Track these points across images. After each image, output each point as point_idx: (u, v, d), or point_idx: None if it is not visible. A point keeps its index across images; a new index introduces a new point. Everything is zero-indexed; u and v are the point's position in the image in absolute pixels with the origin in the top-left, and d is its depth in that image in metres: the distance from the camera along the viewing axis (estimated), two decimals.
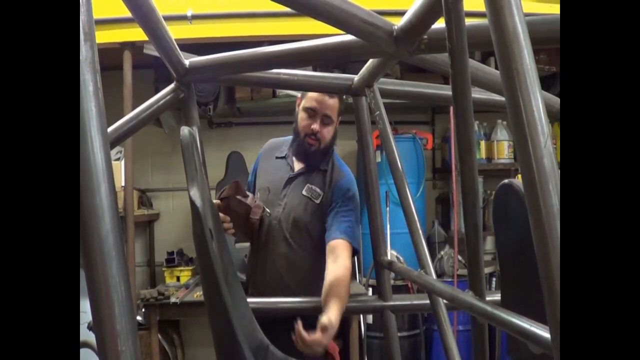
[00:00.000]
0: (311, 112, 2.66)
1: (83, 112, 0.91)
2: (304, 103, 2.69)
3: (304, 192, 2.71)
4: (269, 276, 2.70)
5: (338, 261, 2.50)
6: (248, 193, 2.64)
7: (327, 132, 2.70)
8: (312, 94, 2.65)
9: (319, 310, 2.33)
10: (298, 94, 3.81)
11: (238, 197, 2.58)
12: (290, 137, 2.86)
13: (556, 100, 2.25)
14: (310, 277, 2.69)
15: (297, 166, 2.78)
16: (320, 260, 2.61)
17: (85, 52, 0.96)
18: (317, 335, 2.15)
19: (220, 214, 2.43)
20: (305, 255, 2.71)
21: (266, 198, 2.72)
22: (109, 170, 0.93)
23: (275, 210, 2.70)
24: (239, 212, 2.60)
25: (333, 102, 2.65)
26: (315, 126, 2.65)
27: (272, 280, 2.69)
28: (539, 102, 0.90)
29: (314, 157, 2.72)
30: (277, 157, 2.84)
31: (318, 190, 2.71)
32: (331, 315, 2.23)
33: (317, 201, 2.70)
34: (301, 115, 2.70)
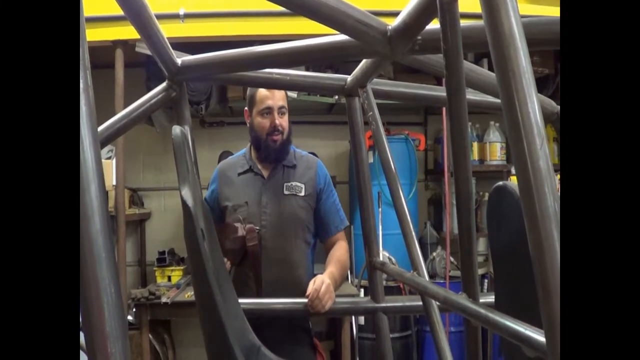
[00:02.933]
0: (267, 111, 2.75)
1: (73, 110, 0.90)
2: (257, 109, 2.77)
3: (285, 192, 2.78)
4: (265, 285, 2.72)
5: (340, 244, 2.84)
6: (236, 225, 2.69)
7: (285, 121, 2.80)
8: (259, 96, 2.75)
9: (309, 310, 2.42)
10: (292, 95, 3.84)
11: (231, 236, 2.65)
12: (239, 154, 2.96)
13: (549, 102, 2.25)
14: (305, 272, 2.79)
15: (266, 172, 2.84)
16: (310, 254, 2.83)
17: None
18: (310, 287, 2.48)
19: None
20: (300, 252, 2.78)
21: (247, 212, 2.75)
22: (99, 170, 0.92)
23: (262, 219, 2.74)
24: (236, 248, 2.67)
25: (281, 91, 2.77)
26: (277, 120, 2.74)
27: (268, 288, 2.71)
28: (535, 105, 0.89)
29: (281, 149, 2.81)
30: (240, 174, 2.87)
31: (298, 184, 2.80)
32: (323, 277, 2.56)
33: (302, 193, 2.80)
34: (258, 121, 2.78)
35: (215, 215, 2.74)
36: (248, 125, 2.85)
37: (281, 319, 2.63)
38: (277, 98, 2.74)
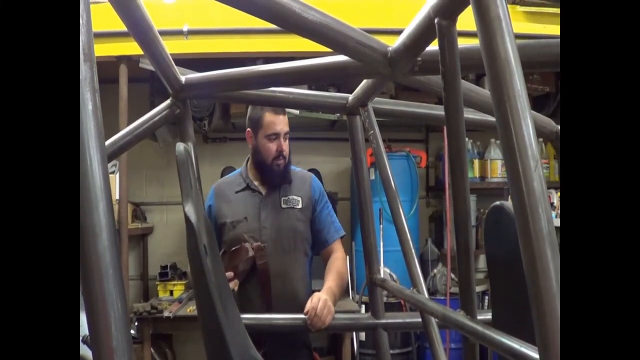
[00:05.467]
0: (274, 136, 2.78)
1: (82, 131, 0.93)
2: (264, 132, 2.79)
3: (283, 205, 2.83)
4: (271, 300, 2.74)
5: (337, 254, 2.88)
6: (245, 246, 2.71)
7: (287, 146, 2.84)
8: (267, 121, 2.77)
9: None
10: (295, 112, 3.85)
11: (244, 258, 2.69)
12: (235, 173, 3.02)
13: (549, 122, 2.27)
14: (305, 284, 2.83)
15: (264, 189, 2.88)
16: (308, 266, 2.87)
17: (84, 72, 0.97)
18: (308, 305, 2.50)
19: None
20: (299, 265, 2.82)
21: (247, 227, 2.78)
22: (106, 188, 0.95)
23: (262, 234, 2.77)
24: (247, 268, 2.71)
25: (285, 116, 2.82)
26: (283, 146, 2.79)
27: (267, 303, 2.72)
28: (530, 128, 0.92)
29: (284, 173, 2.85)
30: (237, 192, 2.90)
31: (295, 197, 2.85)
32: (320, 294, 2.58)
33: (299, 206, 2.85)
34: (264, 144, 2.80)
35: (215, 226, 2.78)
36: (251, 146, 2.87)
37: (281, 333, 2.65)
38: (283, 124, 2.79)
